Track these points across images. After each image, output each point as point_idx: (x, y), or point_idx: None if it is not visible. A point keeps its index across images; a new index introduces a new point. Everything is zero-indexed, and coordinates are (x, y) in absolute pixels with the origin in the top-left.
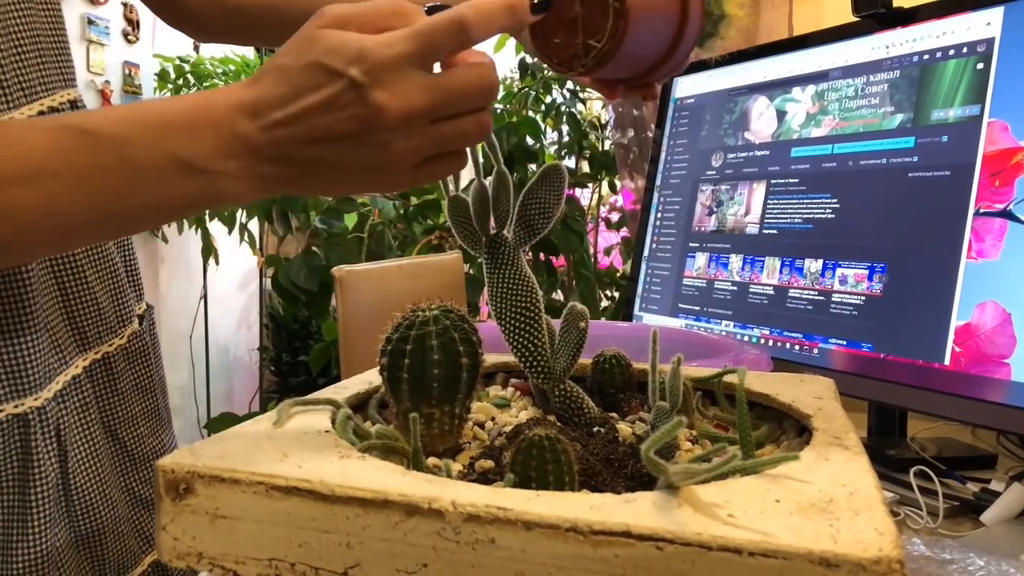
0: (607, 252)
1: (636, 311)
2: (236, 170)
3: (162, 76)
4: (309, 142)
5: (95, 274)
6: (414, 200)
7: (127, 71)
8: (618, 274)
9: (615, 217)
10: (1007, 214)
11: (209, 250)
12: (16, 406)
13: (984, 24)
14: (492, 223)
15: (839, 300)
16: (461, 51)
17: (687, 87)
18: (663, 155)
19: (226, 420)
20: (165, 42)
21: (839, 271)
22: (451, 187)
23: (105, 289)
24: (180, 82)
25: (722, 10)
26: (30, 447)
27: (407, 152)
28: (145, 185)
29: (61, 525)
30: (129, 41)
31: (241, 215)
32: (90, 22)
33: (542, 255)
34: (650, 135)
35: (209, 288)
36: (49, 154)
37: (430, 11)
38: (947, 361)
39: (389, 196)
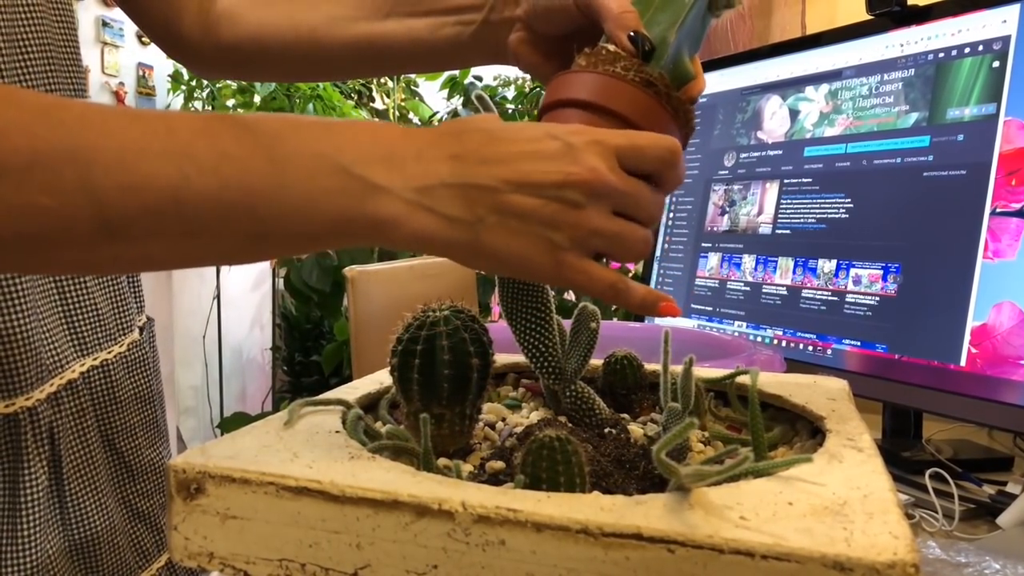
0: None
1: None
2: (401, 187)
3: (175, 78)
4: (505, 181)
5: (95, 280)
6: None
7: (141, 73)
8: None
9: None
10: None
11: None
12: (7, 405)
13: (1000, 22)
14: None
15: (853, 300)
16: (659, 177)
17: None
18: None
19: (239, 420)
20: None
21: (853, 271)
22: None
23: (105, 296)
24: (193, 83)
25: None
26: (20, 447)
27: (592, 223)
28: (291, 188)
29: (54, 532)
30: (143, 43)
31: None
32: (104, 24)
33: None
34: None
35: (222, 289)
36: (194, 136)
37: (631, 39)
38: (963, 362)
39: None
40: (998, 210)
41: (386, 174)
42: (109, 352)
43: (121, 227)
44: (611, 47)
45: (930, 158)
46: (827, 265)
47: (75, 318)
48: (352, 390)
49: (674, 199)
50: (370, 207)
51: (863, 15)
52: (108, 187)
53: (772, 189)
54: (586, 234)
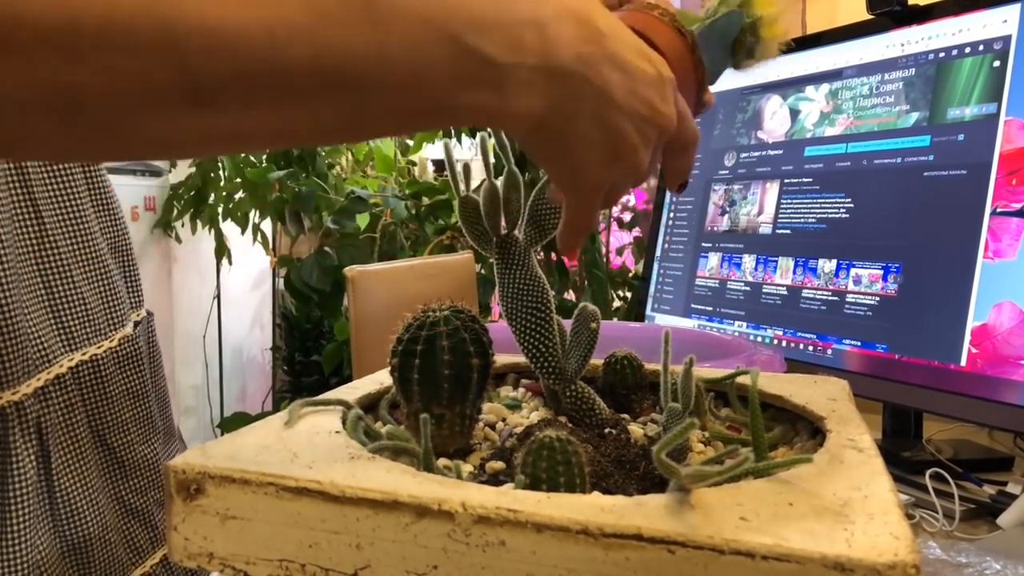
0: (619, 252)
1: (648, 311)
2: (528, 81)
3: None
4: (621, 93)
5: (83, 274)
6: (426, 200)
7: None
8: (630, 274)
9: (627, 217)
10: None
11: (222, 250)
12: None
13: (1001, 21)
14: (503, 223)
15: (853, 300)
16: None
17: None
18: None
19: (239, 420)
20: None
21: (853, 271)
22: (462, 187)
23: (94, 290)
24: None
25: (756, 36)
26: (7, 441)
27: (645, 163)
28: (395, 57)
29: (45, 528)
30: None
31: (254, 215)
32: None
33: (553, 255)
34: None
35: (222, 288)
36: None
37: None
38: (963, 362)
39: (402, 196)
40: (998, 210)
41: (503, 48)
42: (99, 347)
43: (210, 95)
44: None
45: (931, 158)
46: (827, 265)
47: (62, 313)
48: (352, 390)
49: (674, 199)
50: (482, 87)
51: (864, 15)
52: (192, 50)
53: (772, 189)
54: (640, 171)
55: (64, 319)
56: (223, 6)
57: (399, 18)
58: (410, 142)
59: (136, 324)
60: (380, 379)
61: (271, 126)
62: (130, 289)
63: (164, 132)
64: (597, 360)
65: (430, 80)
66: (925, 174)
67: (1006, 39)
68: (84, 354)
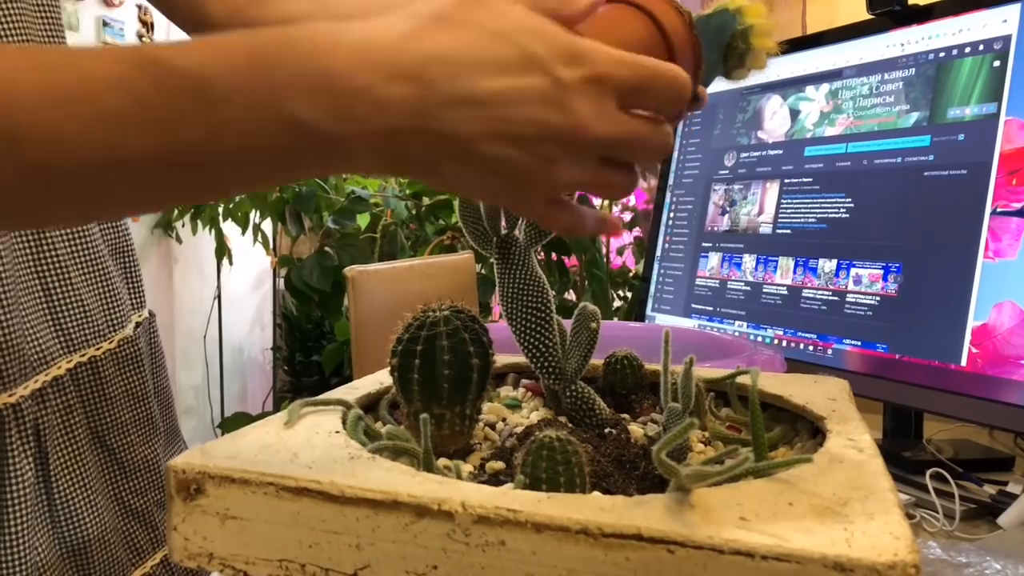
0: (619, 252)
1: (649, 311)
2: (367, 145)
3: None
4: (478, 131)
5: (81, 276)
6: (426, 200)
7: None
8: (630, 274)
9: (627, 217)
10: None
11: (223, 250)
12: None
13: (1000, 21)
14: (503, 223)
15: (854, 300)
16: (667, 109)
17: None
18: (675, 154)
19: (240, 420)
20: None
21: (853, 271)
22: None
23: (92, 292)
24: None
25: (748, 44)
26: (4, 444)
27: (564, 179)
28: (230, 136)
29: (44, 530)
30: (144, 43)
31: (254, 216)
32: (105, 24)
33: (554, 255)
34: None
35: (223, 288)
36: (114, 87)
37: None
38: (963, 362)
39: (402, 197)
40: (999, 210)
41: (334, 119)
42: (98, 349)
43: (56, 185)
44: None
45: (931, 158)
46: (827, 265)
47: (61, 315)
48: (352, 390)
49: (675, 199)
50: (322, 155)
51: (864, 14)
52: (36, 147)
53: (773, 189)
54: (556, 188)
55: (62, 321)
56: (60, 106)
57: (230, 101)
58: None
59: (137, 325)
60: (380, 379)
61: (122, 203)
62: (131, 290)
63: (18, 215)
64: (597, 360)
65: (269, 155)
66: (925, 174)
67: (1006, 39)
68: (83, 356)
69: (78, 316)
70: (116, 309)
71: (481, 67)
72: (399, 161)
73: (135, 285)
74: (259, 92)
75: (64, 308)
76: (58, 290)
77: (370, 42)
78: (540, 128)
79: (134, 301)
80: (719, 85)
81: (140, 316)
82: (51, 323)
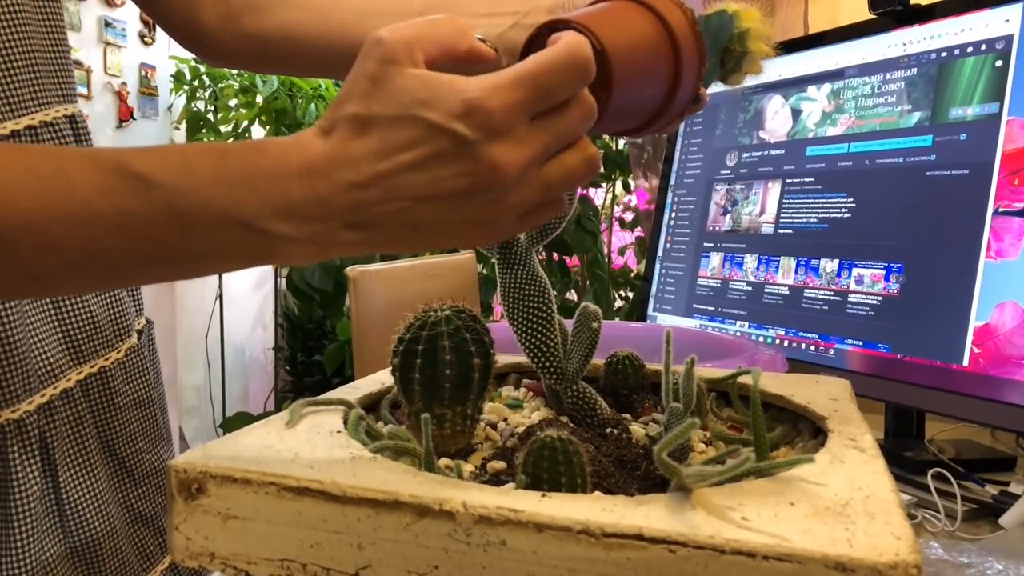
0: (621, 252)
1: (650, 311)
2: (307, 235)
3: (178, 78)
4: (403, 202)
5: None
6: None
7: (143, 73)
8: (632, 274)
9: (629, 217)
10: None
11: None
12: None
13: (1003, 21)
14: None
15: (855, 300)
16: (582, 85)
17: None
18: (677, 154)
19: (241, 420)
20: None
21: (855, 271)
22: None
23: (101, 303)
24: (196, 83)
25: (745, 47)
26: (7, 459)
27: (517, 205)
28: (197, 241)
29: (52, 539)
30: (145, 43)
31: None
32: (107, 24)
33: (556, 255)
34: (664, 134)
35: (224, 288)
36: (95, 195)
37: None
38: (965, 362)
39: None
40: (1001, 210)
41: (289, 226)
42: (107, 359)
43: (46, 277)
44: None
45: (933, 157)
46: (829, 265)
47: (71, 327)
48: (353, 390)
49: (676, 199)
50: (277, 254)
51: (865, 14)
52: (26, 249)
53: (774, 189)
54: (516, 210)
55: (72, 334)
56: (47, 212)
57: (195, 211)
58: None
59: (139, 333)
60: (381, 379)
61: (104, 287)
62: (132, 297)
63: (11, 296)
64: (599, 360)
65: (236, 255)
66: (927, 174)
67: (1008, 39)
68: (92, 367)
69: (87, 327)
70: (122, 318)
71: (384, 151)
72: (348, 245)
73: (135, 293)
74: (224, 203)
75: (73, 319)
76: (68, 303)
77: (302, 150)
78: (466, 181)
79: (135, 308)
80: (721, 85)
81: (140, 324)
82: (60, 335)
